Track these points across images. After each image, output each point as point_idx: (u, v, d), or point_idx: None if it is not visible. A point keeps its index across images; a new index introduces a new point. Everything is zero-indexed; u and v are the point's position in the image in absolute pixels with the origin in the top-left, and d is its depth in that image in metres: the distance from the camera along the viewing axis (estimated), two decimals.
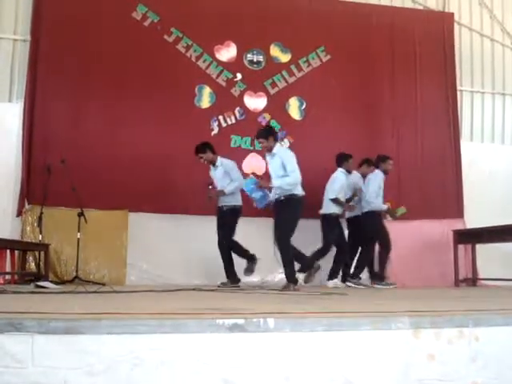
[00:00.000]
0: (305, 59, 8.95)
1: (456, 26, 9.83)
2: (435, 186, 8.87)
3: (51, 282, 6.31)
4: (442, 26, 9.68)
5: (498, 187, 8.73)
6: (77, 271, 7.01)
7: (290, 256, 6.01)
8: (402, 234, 8.61)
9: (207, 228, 7.52)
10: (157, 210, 7.90)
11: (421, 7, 9.83)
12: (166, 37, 8.42)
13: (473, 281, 8.06)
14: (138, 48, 8.24)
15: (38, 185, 7.23)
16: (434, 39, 9.55)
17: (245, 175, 8.34)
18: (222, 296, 4.70)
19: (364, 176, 7.83)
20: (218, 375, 2.14)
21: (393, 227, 8.36)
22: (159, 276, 7.54)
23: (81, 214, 7.02)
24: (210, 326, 2.17)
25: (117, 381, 2.07)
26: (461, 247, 8.39)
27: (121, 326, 2.11)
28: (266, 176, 8.45)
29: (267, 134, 6.35)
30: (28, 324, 2.05)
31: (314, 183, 8.46)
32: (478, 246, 8.25)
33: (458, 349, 2.44)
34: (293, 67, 8.89)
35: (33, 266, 7.21)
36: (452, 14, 9.83)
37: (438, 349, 2.40)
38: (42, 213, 6.98)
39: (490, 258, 8.35)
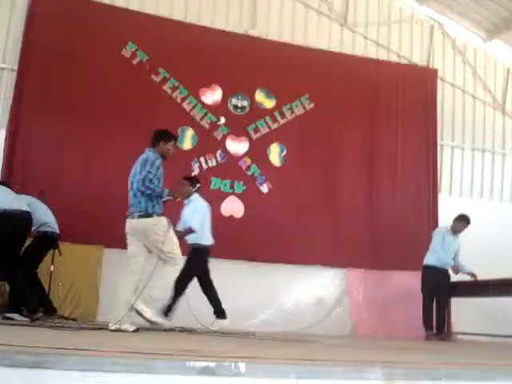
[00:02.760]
0: (289, 106, 9.06)
1: (439, 82, 10.08)
2: (410, 236, 8.91)
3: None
4: (425, 80, 9.91)
5: (474, 241, 8.79)
6: (49, 304, 6.86)
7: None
8: (375, 283, 8.65)
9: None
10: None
11: (406, 61, 10.06)
12: (153, 76, 8.48)
13: (447, 334, 8.02)
14: (125, 85, 8.28)
15: None
16: (418, 93, 9.75)
17: (223, 217, 8.35)
18: (194, 338, 4.63)
19: None
20: None
21: (365, 275, 8.44)
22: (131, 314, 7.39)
23: (56, 247, 6.92)
24: (180, 368, 2.13)
25: None
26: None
27: (89, 363, 2.06)
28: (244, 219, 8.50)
29: (193, 181, 6.79)
30: None
31: (291, 229, 8.52)
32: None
33: None
34: (276, 114, 8.99)
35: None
36: (436, 70, 10.09)
37: None
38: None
39: (465, 313, 8.35)
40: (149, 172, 5.14)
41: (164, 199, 5.41)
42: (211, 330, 6.21)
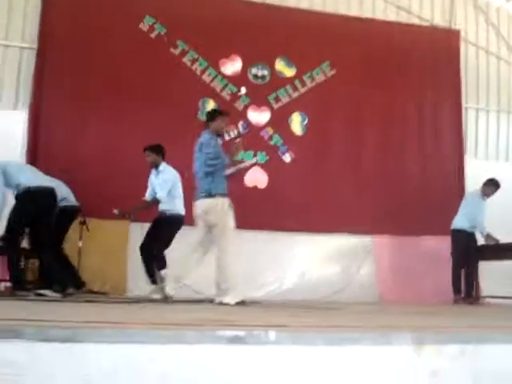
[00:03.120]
0: (309, 74, 8.98)
1: (462, 43, 9.88)
2: (436, 201, 8.85)
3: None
4: (448, 42, 9.74)
5: (501, 204, 8.70)
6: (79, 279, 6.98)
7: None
8: (403, 249, 8.62)
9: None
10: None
11: (427, 24, 9.87)
12: (172, 49, 8.46)
13: (475, 298, 8.01)
14: (144, 60, 8.28)
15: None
16: (440, 56, 9.58)
17: (247, 188, 8.37)
18: (223, 308, 4.68)
19: None
20: None
21: (391, 242, 8.41)
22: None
23: (83, 223, 7.02)
24: (210, 337, 2.15)
25: None
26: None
27: (120, 335, 2.10)
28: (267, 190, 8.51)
29: (159, 150, 6.73)
30: (27, 331, 2.03)
31: (315, 197, 8.51)
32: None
33: (461, 366, 2.41)
34: (297, 82, 8.92)
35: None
36: (458, 31, 9.88)
37: (441, 366, 2.38)
38: None
39: (492, 276, 8.30)
40: (207, 153, 5.39)
41: (229, 172, 5.58)
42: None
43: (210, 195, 5.39)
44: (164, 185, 6.69)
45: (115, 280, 7.44)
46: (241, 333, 2.18)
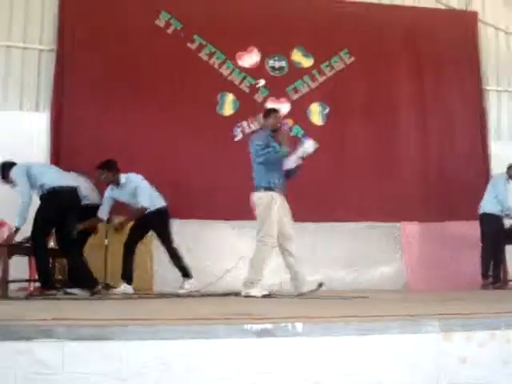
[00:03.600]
0: (327, 63, 8.91)
1: (480, 25, 9.73)
2: (462, 185, 8.73)
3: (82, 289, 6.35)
4: (465, 24, 9.57)
5: None
6: (105, 278, 7.05)
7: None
8: (428, 235, 8.55)
9: (235, 234, 7.77)
10: (180, 216, 7.89)
11: (443, 7, 9.74)
12: (189, 44, 8.46)
13: (504, 282, 7.92)
14: (162, 55, 8.28)
15: None
16: (458, 38, 9.43)
17: None
18: (249, 301, 4.70)
19: None
20: (248, 380, 2.14)
21: (419, 228, 8.35)
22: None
23: (109, 221, 7.08)
24: (239, 331, 2.17)
25: None
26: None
27: (149, 331, 2.12)
28: None
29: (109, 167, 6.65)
30: (58, 330, 2.07)
31: (340, 186, 8.48)
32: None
33: (490, 352, 2.40)
34: (315, 72, 8.85)
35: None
36: (476, 12, 9.72)
37: (470, 352, 2.37)
38: None
39: None
40: (257, 144, 5.60)
41: (293, 166, 5.63)
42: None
43: (256, 189, 5.56)
44: (142, 194, 6.67)
45: (141, 277, 7.45)
46: (269, 326, 2.19)
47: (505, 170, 7.97)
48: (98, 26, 8.11)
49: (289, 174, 5.79)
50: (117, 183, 6.72)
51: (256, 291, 5.23)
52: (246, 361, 2.16)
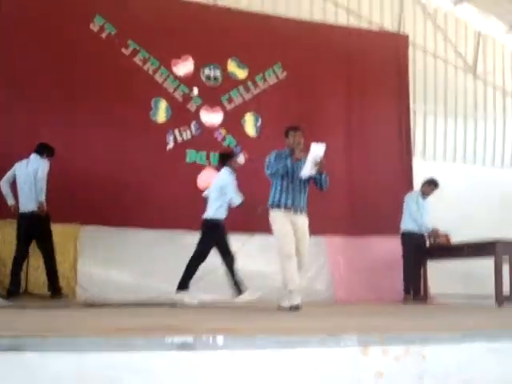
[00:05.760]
0: (261, 76, 9.01)
1: (411, 47, 10.08)
2: (386, 202, 8.95)
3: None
4: (396, 46, 9.88)
5: (449, 204, 8.93)
6: (26, 285, 6.86)
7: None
8: (353, 249, 8.74)
9: (160, 242, 7.65)
10: (108, 223, 7.79)
11: (377, 28, 10.04)
12: (123, 49, 8.36)
13: (424, 297, 8.18)
14: (96, 60, 8.14)
15: None
16: (389, 60, 9.73)
17: (200, 190, 8.35)
18: (172, 312, 4.67)
19: None
20: None
21: (343, 242, 8.52)
22: (111, 290, 7.39)
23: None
24: (159, 344, 2.15)
25: None
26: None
27: (67, 343, 2.08)
28: None
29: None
30: None
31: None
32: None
33: (406, 366, 2.47)
34: (249, 83, 8.93)
35: None
36: (407, 36, 10.07)
37: (386, 367, 2.43)
38: None
39: (440, 275, 8.50)
40: (268, 160, 5.58)
41: (310, 175, 5.44)
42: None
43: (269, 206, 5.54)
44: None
45: (64, 284, 7.24)
46: (189, 339, 2.19)
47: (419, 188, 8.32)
48: (29, 25, 7.89)
49: (316, 185, 5.67)
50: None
51: (285, 303, 5.24)
52: (165, 374, 2.14)
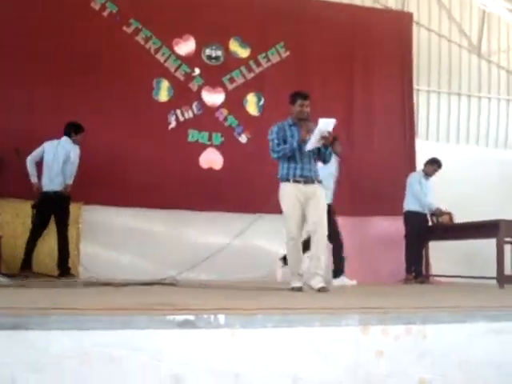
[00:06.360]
0: (264, 55, 8.95)
1: (414, 26, 9.98)
2: (388, 182, 8.92)
3: (2, 274, 6.18)
4: (400, 25, 9.79)
5: (452, 186, 8.91)
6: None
7: None
8: (354, 230, 8.72)
9: (162, 222, 7.72)
10: (110, 203, 7.81)
11: (380, 6, 9.95)
12: (124, 28, 8.31)
13: (425, 277, 8.21)
14: (97, 38, 8.09)
15: None
16: (393, 38, 9.65)
17: (202, 170, 8.36)
18: (173, 291, 4.68)
19: None
20: (169, 371, 2.14)
21: (345, 223, 8.50)
22: (112, 270, 7.41)
23: (34, 206, 6.90)
24: (161, 322, 2.17)
25: (65, 377, 2.05)
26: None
27: (69, 321, 2.09)
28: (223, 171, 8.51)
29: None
30: None
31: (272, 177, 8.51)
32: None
33: (406, 346, 2.49)
34: (251, 63, 8.88)
35: None
36: (411, 13, 9.97)
37: (386, 346, 2.45)
38: None
39: (442, 256, 8.53)
40: (269, 141, 5.24)
41: (315, 147, 5.12)
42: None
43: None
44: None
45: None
46: (190, 317, 2.20)
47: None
48: (31, 5, 7.84)
49: (320, 158, 5.32)
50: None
51: (292, 283, 5.14)
52: (167, 352, 2.16)
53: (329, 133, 4.97)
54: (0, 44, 7.69)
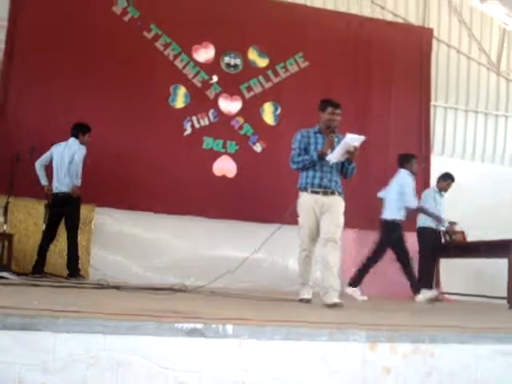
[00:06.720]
0: (282, 65, 8.97)
1: (434, 42, 9.97)
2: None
3: (13, 272, 6.23)
4: (420, 40, 9.78)
5: (465, 202, 8.87)
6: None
7: None
8: (367, 243, 8.67)
9: (176, 228, 7.73)
10: (124, 207, 7.86)
11: (401, 21, 9.95)
12: (145, 33, 8.37)
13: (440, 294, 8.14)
14: (117, 43, 8.15)
15: (6, 174, 7.06)
16: (412, 53, 9.64)
17: (215, 177, 8.37)
18: (182, 298, 4.69)
19: None
20: (175, 379, 2.15)
21: (357, 236, 8.46)
22: (123, 273, 7.44)
23: (48, 206, 6.96)
24: (169, 329, 2.17)
25: (72, 379, 2.06)
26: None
27: (78, 324, 2.10)
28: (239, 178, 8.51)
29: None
30: None
31: (286, 187, 8.51)
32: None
33: (414, 364, 2.48)
34: (269, 72, 8.90)
35: None
36: (431, 29, 9.96)
37: (394, 363, 2.44)
38: (7, 202, 6.90)
39: (452, 273, 8.47)
40: (292, 149, 5.20)
41: (338, 161, 4.99)
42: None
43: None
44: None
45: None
46: (199, 325, 2.21)
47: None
48: (54, 8, 7.92)
49: (342, 171, 5.17)
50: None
51: (301, 295, 5.17)
52: (174, 359, 2.17)
53: (355, 148, 4.81)
54: (21, 47, 7.77)
